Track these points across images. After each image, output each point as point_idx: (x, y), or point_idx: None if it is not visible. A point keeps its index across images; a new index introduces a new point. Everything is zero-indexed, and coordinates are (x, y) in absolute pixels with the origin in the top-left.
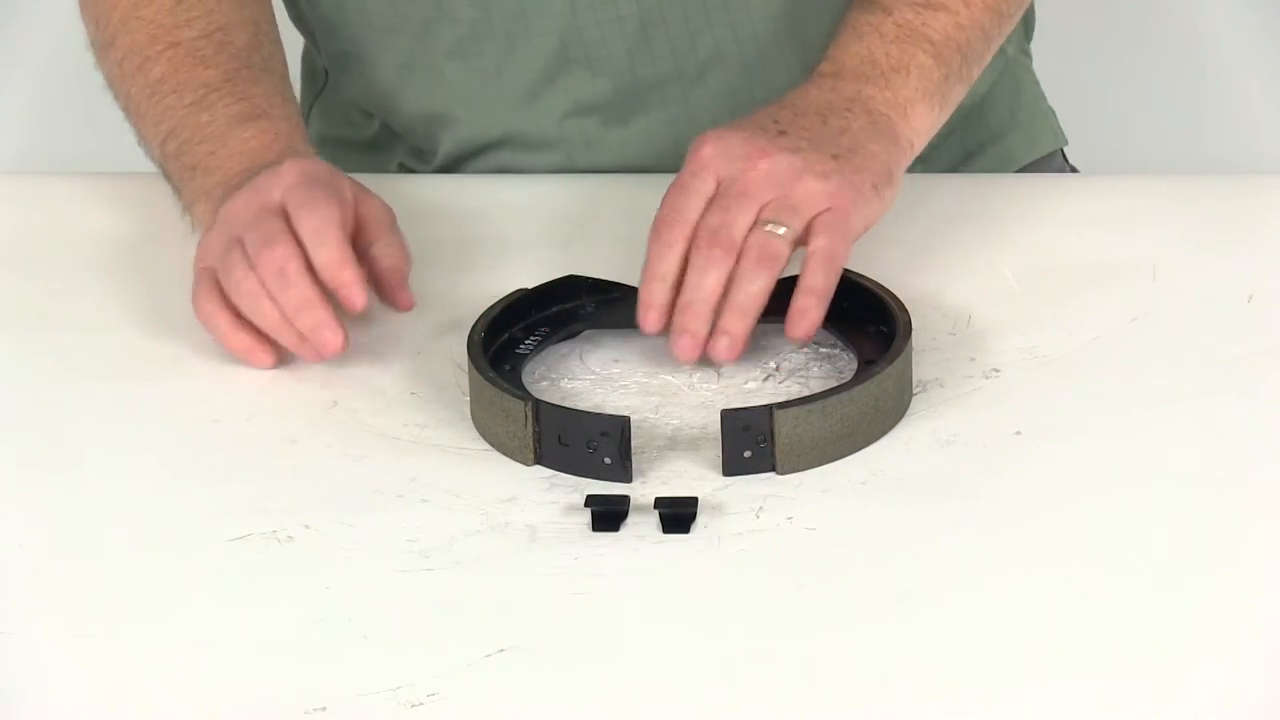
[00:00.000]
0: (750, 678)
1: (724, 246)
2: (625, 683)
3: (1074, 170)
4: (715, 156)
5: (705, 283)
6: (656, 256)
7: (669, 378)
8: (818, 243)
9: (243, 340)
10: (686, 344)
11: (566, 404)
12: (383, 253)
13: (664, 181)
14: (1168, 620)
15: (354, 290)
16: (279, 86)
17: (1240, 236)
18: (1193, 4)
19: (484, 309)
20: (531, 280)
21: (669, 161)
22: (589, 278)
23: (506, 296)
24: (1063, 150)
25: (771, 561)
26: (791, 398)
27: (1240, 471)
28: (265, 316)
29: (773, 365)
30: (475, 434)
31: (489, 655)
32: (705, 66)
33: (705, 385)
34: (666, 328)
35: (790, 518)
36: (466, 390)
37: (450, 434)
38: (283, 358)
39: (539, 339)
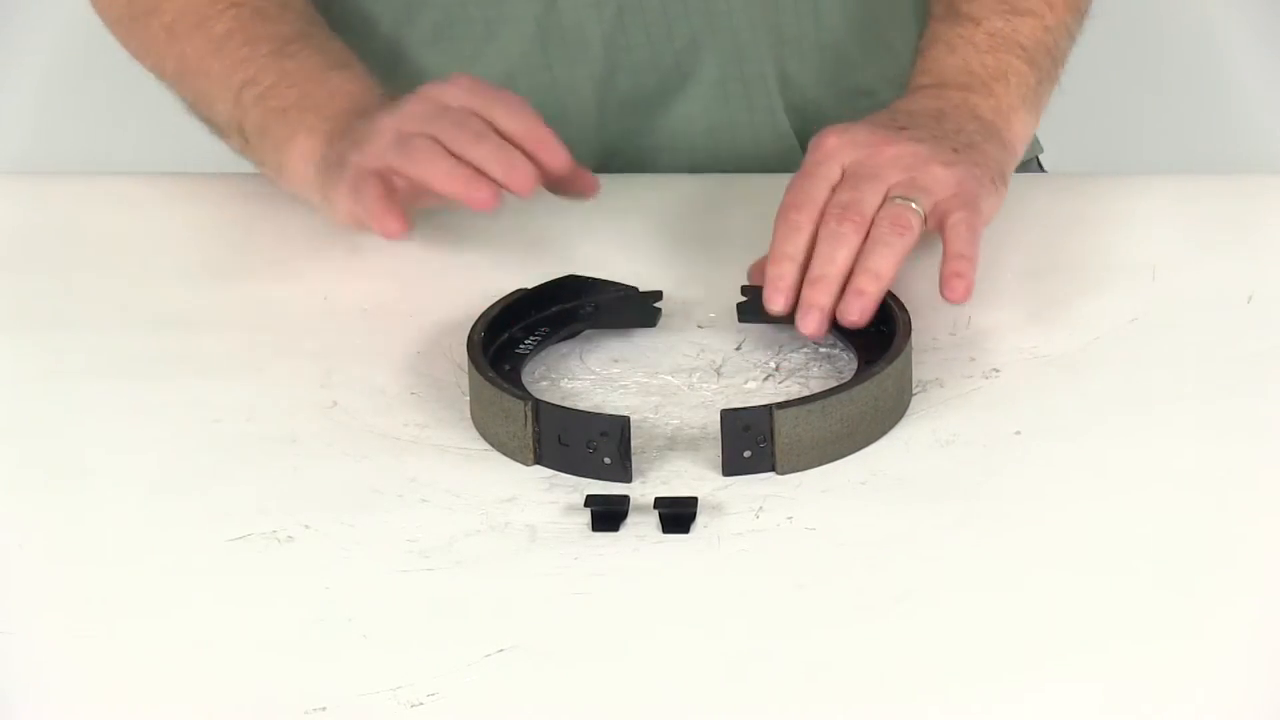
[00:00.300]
0: (750, 678)
1: (855, 222)
2: (625, 683)
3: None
4: (841, 146)
5: (837, 257)
6: (783, 238)
7: (669, 378)
8: (956, 215)
9: (383, 204)
10: (816, 319)
11: (566, 404)
12: None
13: (666, 182)
14: (1168, 620)
15: (555, 146)
16: (347, 45)
17: (1240, 237)
18: (1191, 4)
19: (484, 309)
20: (531, 280)
21: (641, 153)
22: (589, 277)
23: (506, 296)
24: (1038, 158)
25: (771, 561)
26: (791, 398)
27: (1241, 471)
28: (438, 163)
29: (773, 365)
30: (475, 434)
31: (489, 655)
32: (680, 57)
33: (705, 385)
34: (793, 310)
35: (790, 518)
36: (466, 390)
37: (450, 434)
38: (411, 227)
39: (539, 339)
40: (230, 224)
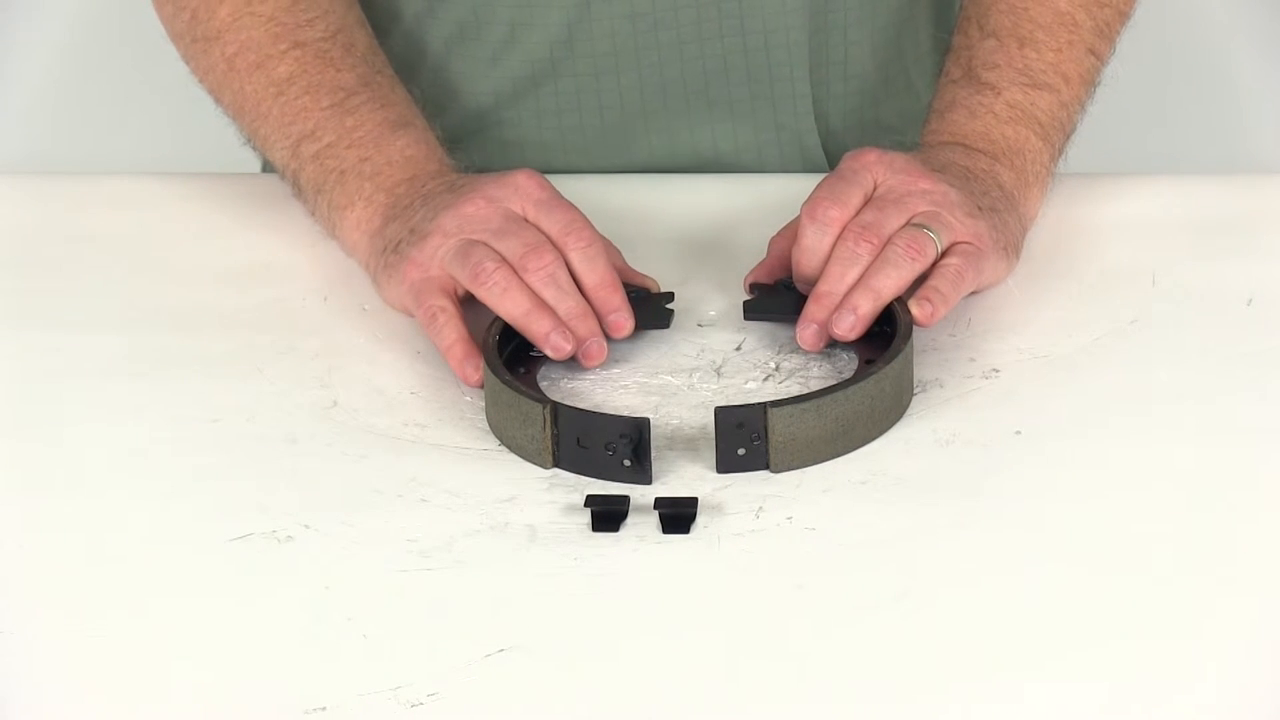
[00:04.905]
0: (750, 678)
1: (872, 244)
2: (625, 683)
3: None
4: (878, 163)
5: (847, 276)
6: (813, 234)
7: (669, 378)
8: (949, 260)
9: (465, 348)
10: (813, 334)
11: (567, 404)
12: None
13: (665, 182)
14: (1168, 620)
15: (623, 316)
16: (408, 93)
17: (1240, 238)
18: (1192, 4)
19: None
20: None
21: (664, 168)
22: None
23: None
24: None
25: (771, 561)
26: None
27: (1240, 471)
28: (515, 298)
29: (773, 365)
30: (476, 434)
31: (489, 655)
32: (711, 76)
33: (705, 385)
34: (798, 309)
35: (790, 517)
36: (467, 390)
37: (450, 434)
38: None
39: None
40: (230, 224)
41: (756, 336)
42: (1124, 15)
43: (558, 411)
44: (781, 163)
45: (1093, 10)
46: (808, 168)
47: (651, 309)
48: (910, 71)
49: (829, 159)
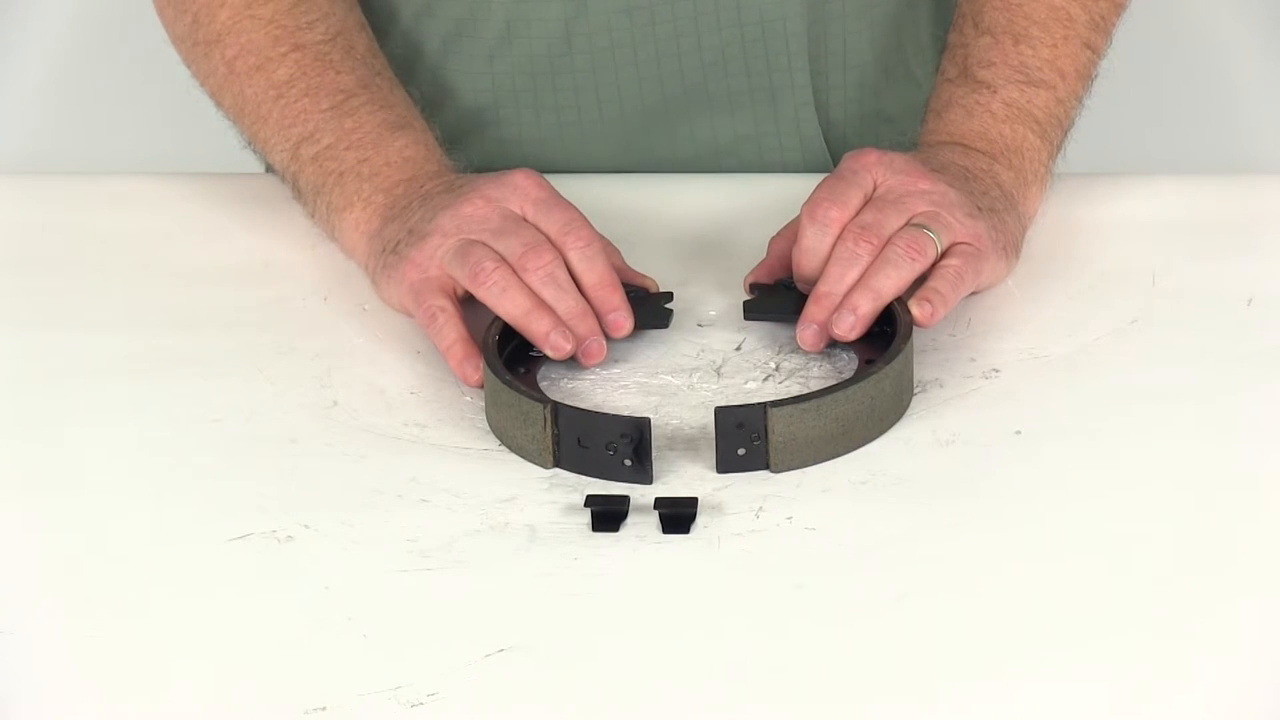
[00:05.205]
0: (750, 678)
1: (872, 245)
2: (625, 683)
3: None
4: (878, 164)
5: (846, 276)
6: (813, 235)
7: (669, 378)
8: (949, 261)
9: (465, 348)
10: (813, 335)
11: (567, 404)
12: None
13: (665, 182)
14: (1168, 619)
15: (622, 315)
16: (408, 95)
17: (1240, 238)
18: (1192, 4)
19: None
20: None
21: (664, 162)
22: None
23: None
24: None
25: (771, 561)
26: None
27: (1240, 471)
28: (515, 298)
29: (773, 365)
30: (476, 434)
31: (489, 655)
32: (709, 69)
33: (705, 385)
34: (798, 309)
35: (790, 518)
36: (467, 390)
37: (450, 434)
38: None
39: None
40: (230, 224)
41: (756, 336)
42: (1120, 7)
43: (558, 411)
44: (781, 154)
45: (1087, 4)
46: (808, 159)
47: (651, 309)
48: (910, 62)
49: (830, 150)
